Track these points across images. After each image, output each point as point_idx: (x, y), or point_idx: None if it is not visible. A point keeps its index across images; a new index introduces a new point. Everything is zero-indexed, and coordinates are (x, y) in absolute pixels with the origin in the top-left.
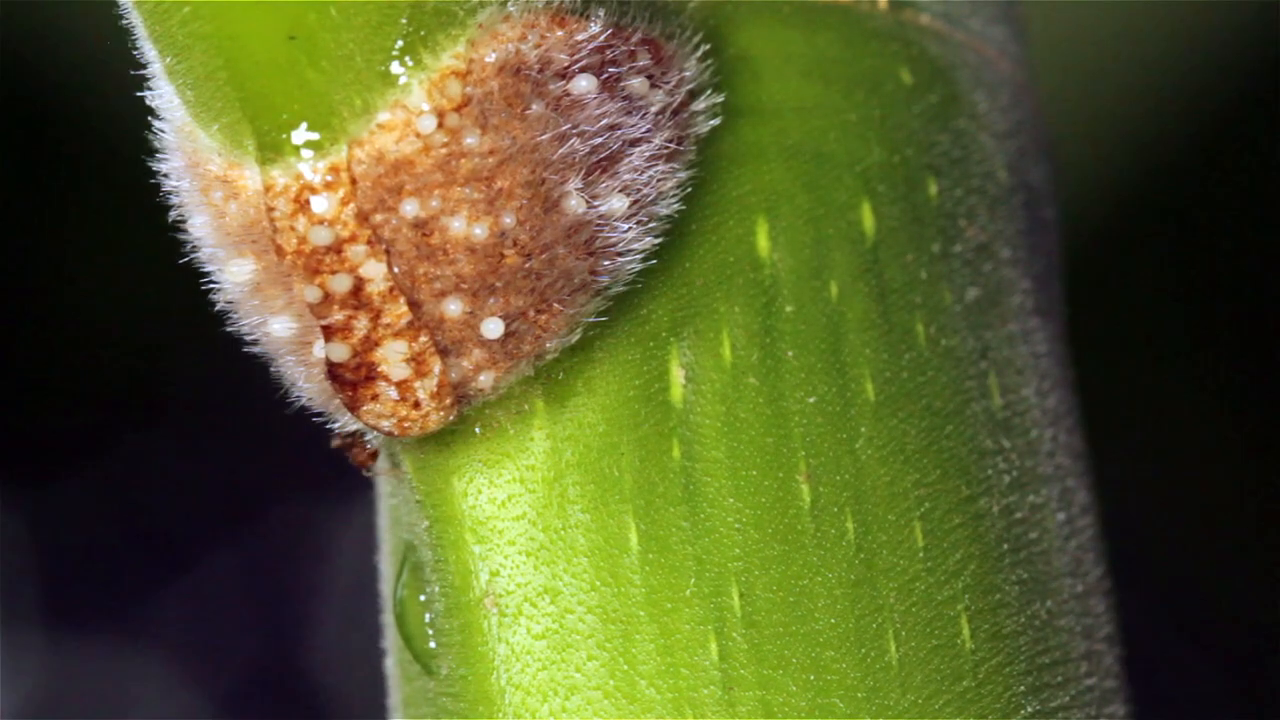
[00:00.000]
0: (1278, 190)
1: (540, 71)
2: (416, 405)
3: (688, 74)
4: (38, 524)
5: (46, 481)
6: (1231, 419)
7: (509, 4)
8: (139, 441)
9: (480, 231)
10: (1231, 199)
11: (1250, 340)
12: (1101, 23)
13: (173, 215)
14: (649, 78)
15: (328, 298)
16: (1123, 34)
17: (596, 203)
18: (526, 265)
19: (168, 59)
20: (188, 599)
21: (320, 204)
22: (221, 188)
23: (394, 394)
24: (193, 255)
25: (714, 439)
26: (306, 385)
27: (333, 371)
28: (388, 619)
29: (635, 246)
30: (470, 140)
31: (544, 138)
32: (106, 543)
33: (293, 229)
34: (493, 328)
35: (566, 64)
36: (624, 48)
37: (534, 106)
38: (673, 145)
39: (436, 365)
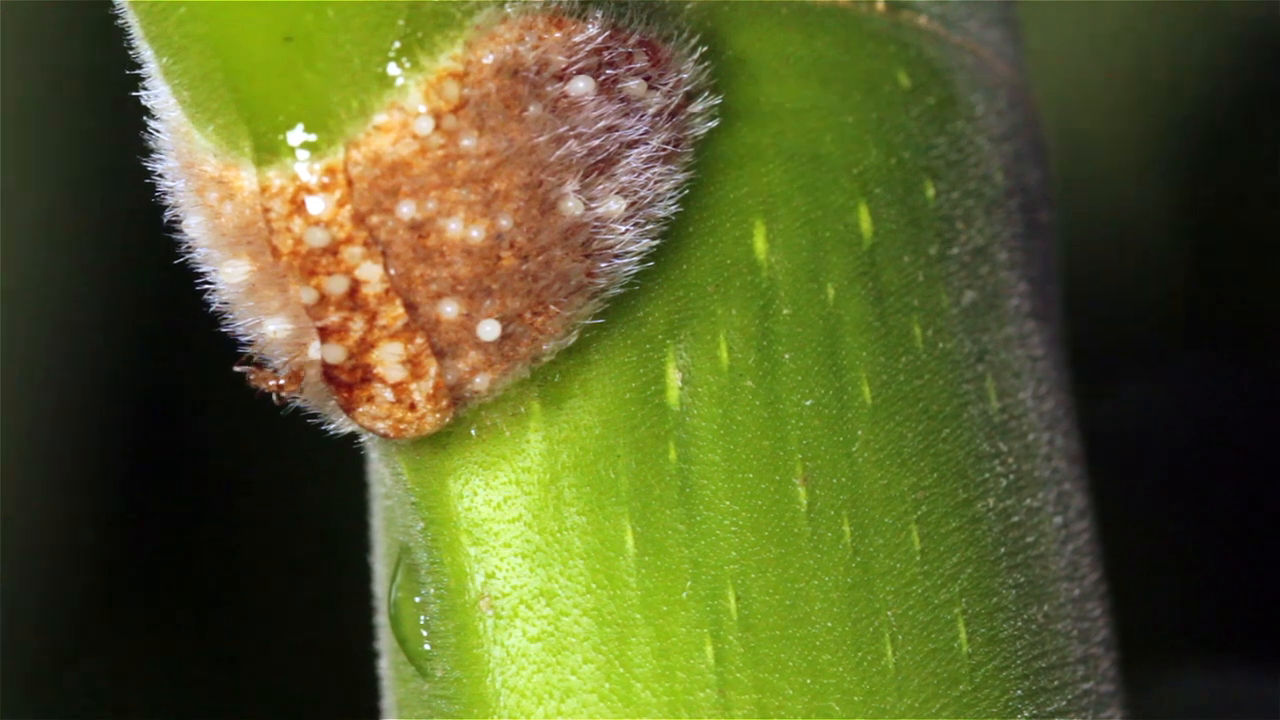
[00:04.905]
0: (1277, 192)
1: (538, 73)
2: (412, 407)
3: (685, 76)
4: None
5: None
6: (1231, 421)
7: (506, 5)
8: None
9: (477, 233)
10: (1230, 202)
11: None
12: (1098, 25)
13: (167, 215)
14: (646, 79)
15: (323, 299)
16: (1120, 36)
17: (594, 205)
18: (523, 267)
19: (164, 59)
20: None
21: (316, 205)
22: (217, 188)
23: (390, 396)
24: (187, 256)
25: (710, 442)
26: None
27: (328, 373)
28: (381, 620)
29: (632, 249)
30: (467, 142)
31: (541, 139)
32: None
33: (289, 230)
34: (489, 330)
35: (564, 66)
36: (621, 49)
37: (531, 108)
38: (670, 147)
39: (432, 367)
